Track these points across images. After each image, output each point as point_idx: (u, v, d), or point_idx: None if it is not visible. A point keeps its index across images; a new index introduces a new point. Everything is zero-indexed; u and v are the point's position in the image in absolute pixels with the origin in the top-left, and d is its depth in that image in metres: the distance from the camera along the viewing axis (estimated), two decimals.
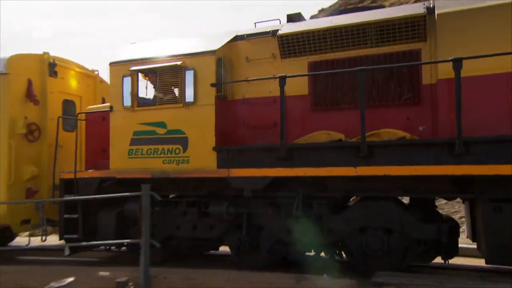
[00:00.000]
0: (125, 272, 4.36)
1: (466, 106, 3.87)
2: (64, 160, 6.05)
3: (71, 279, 3.04)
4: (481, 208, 4.09)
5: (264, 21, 5.44)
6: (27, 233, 7.38)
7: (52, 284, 2.88)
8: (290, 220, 4.66)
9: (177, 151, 4.95)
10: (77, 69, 7.12)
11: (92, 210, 5.51)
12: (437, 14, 4.28)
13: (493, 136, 3.79)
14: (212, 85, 4.83)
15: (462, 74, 3.87)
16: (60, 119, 6.05)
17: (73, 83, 7.04)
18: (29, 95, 6.12)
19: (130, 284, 4.03)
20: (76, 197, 5.34)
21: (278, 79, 4.55)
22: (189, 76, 4.93)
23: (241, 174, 4.62)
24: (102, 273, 4.59)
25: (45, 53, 6.44)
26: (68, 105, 6.76)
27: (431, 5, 4.48)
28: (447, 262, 4.64)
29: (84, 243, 5.31)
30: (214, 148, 4.74)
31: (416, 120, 4.38)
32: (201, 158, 4.83)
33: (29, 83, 6.12)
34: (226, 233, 5.10)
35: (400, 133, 4.23)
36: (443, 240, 4.15)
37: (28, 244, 6.10)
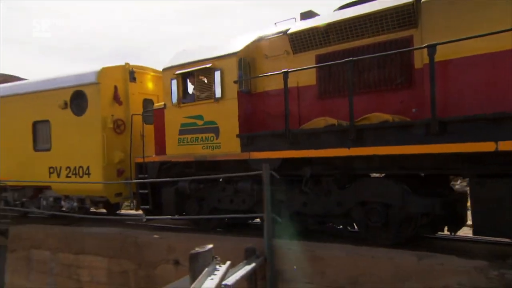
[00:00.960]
0: (252, 242, 4.69)
1: (450, 87, 4.21)
2: (145, 147, 7.50)
3: (210, 245, 3.26)
4: (469, 183, 4.39)
5: (283, 21, 6.05)
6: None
7: (197, 248, 3.17)
8: (303, 195, 5.33)
9: (212, 138, 5.99)
10: (152, 73, 8.44)
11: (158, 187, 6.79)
12: (422, 2, 4.50)
13: (464, 116, 3.97)
14: (234, 82, 5.70)
15: (444, 58, 4.18)
16: (134, 116, 7.48)
17: (150, 85, 8.42)
18: (115, 98, 7.70)
19: (257, 252, 4.33)
20: (170, 179, 6.35)
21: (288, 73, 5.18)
22: (217, 75, 5.89)
23: (258, 157, 5.42)
24: (231, 241, 4.99)
25: (126, 64, 7.96)
26: (147, 103, 8.11)
27: None
28: (452, 233, 4.96)
29: (199, 217, 6.28)
30: (237, 135, 5.63)
31: (409, 103, 4.66)
32: (229, 144, 5.79)
33: (115, 88, 7.69)
34: None
35: (386, 116, 4.53)
36: (437, 213, 4.42)
37: (144, 219, 7.31)
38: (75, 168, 7.79)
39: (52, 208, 8.45)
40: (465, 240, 5.45)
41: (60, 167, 7.99)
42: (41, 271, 7.07)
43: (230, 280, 3.32)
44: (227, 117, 5.81)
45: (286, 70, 5.14)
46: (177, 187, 6.47)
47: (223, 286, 3.04)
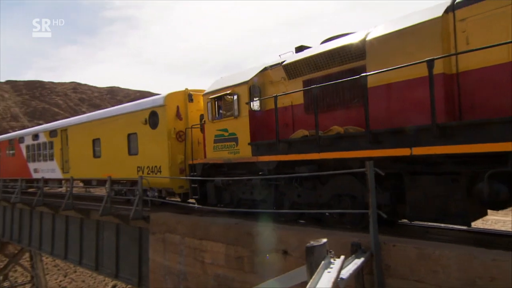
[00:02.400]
0: (357, 237, 4.66)
1: (387, 105, 5.31)
2: (198, 152, 9.48)
3: (324, 240, 3.24)
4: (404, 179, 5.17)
5: (284, 53, 7.50)
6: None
7: (312, 242, 3.16)
8: (297, 189, 6.65)
9: (233, 146, 7.68)
10: None
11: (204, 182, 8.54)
12: (366, 41, 5.64)
13: (391, 128, 5.06)
14: (246, 103, 7.33)
15: (384, 82, 5.31)
16: (190, 128, 9.50)
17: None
18: (177, 115, 9.77)
19: (362, 247, 4.29)
20: (219, 178, 7.97)
21: (284, 95, 6.73)
22: (235, 98, 7.59)
23: (263, 160, 6.96)
24: (334, 236, 4.91)
25: (186, 89, 10.08)
26: (203, 118, 9.86)
27: (368, 33, 5.75)
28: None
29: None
30: (248, 143, 7.24)
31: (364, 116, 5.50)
32: (244, 150, 7.39)
33: (177, 108, 9.80)
34: None
35: (339, 129, 5.70)
36: (386, 204, 5.31)
37: (220, 205, 8.57)
38: (152, 167, 10.15)
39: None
40: None
41: (144, 167, 10.45)
42: (173, 251, 7.63)
43: (345, 274, 3.29)
44: (243, 129, 7.46)
45: (276, 95, 6.57)
46: (214, 183, 8.20)
47: (339, 279, 3.02)
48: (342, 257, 3.32)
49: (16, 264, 23.72)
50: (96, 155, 12.64)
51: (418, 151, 4.66)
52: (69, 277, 54.55)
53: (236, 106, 7.61)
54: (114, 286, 41.43)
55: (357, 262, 3.85)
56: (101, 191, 15.41)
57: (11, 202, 14.84)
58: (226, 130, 7.92)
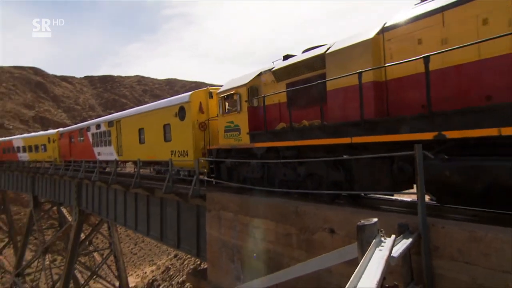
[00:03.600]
0: (404, 218, 4.54)
1: (340, 104, 6.67)
2: (215, 139, 10.94)
3: (375, 219, 3.15)
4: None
5: (276, 60, 8.87)
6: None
7: (362, 221, 3.11)
8: (284, 169, 8.06)
9: (237, 135, 9.26)
10: None
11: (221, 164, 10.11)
12: (326, 54, 6.97)
13: (335, 123, 6.50)
14: (245, 101, 8.88)
15: (337, 87, 6.68)
16: (209, 120, 11.21)
17: None
18: (200, 109, 11.44)
19: (410, 228, 4.18)
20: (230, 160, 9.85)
21: (273, 95, 8.27)
22: (238, 97, 9.13)
23: (257, 146, 8.46)
24: (379, 216, 4.47)
25: (208, 88, 11.77)
26: None
27: (329, 48, 7.08)
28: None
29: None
30: (247, 133, 8.79)
31: (327, 113, 6.88)
32: (245, 138, 8.94)
33: (200, 104, 11.48)
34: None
35: (305, 122, 7.25)
36: (341, 180, 6.70)
37: (214, 182, 10.24)
38: (181, 151, 12.00)
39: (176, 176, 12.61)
40: None
41: (175, 151, 12.31)
42: (228, 227, 7.90)
43: (395, 253, 3.22)
44: (243, 122, 9.04)
45: (264, 95, 8.14)
46: (225, 164, 9.84)
47: (390, 257, 2.93)
48: (393, 236, 3.19)
49: (97, 232, 26.36)
50: (141, 141, 14.87)
51: (356, 140, 6.03)
52: (138, 246, 62.30)
53: (238, 103, 9.25)
54: (176, 255, 46.88)
55: (405, 242, 3.74)
56: (144, 171, 17.92)
57: (92, 180, 16.44)
58: (232, 122, 9.61)
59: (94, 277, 26.86)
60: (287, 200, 6.76)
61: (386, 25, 6.12)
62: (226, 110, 9.90)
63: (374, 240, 2.99)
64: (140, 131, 14.99)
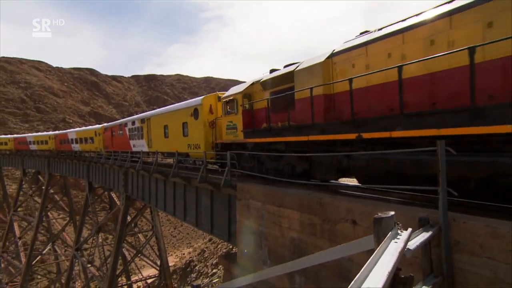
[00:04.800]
0: (425, 212, 4.36)
1: (303, 110, 7.98)
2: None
3: (392, 212, 3.06)
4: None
5: (265, 73, 10.29)
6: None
7: (379, 214, 3.01)
8: (271, 161, 9.32)
9: (235, 132, 10.78)
10: None
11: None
12: (294, 71, 8.34)
13: (295, 124, 8.05)
14: (240, 105, 10.37)
15: (301, 97, 8.01)
16: (216, 119, 12.77)
17: None
18: (210, 110, 12.93)
19: (430, 221, 4.03)
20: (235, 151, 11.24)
21: (260, 101, 9.74)
22: (235, 102, 10.67)
23: (248, 141, 9.96)
24: (401, 210, 4.66)
25: (217, 93, 13.29)
26: None
27: (297, 66, 8.36)
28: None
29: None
30: (241, 131, 10.29)
31: (295, 116, 8.27)
32: (240, 135, 10.42)
33: (210, 106, 12.98)
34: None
35: (279, 124, 8.75)
36: (305, 169, 8.06)
37: (220, 170, 12.37)
38: (195, 144, 13.59)
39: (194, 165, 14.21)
40: None
41: (191, 144, 13.90)
42: (256, 215, 7.99)
43: (411, 245, 3.19)
44: (239, 122, 10.55)
45: (252, 101, 9.91)
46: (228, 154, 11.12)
47: (406, 250, 2.90)
48: (410, 229, 3.13)
49: (142, 216, 26.64)
50: (165, 136, 16.52)
51: (311, 138, 7.46)
52: (177, 229, 64.76)
53: (235, 107, 10.78)
54: (210, 239, 48.21)
55: (424, 235, 3.65)
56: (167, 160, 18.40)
57: (136, 169, 17.21)
58: (231, 122, 11.11)
59: (139, 255, 28.32)
60: (312, 192, 6.78)
61: (334, 52, 7.45)
62: (227, 112, 11.46)
63: (390, 233, 2.92)
64: (165, 127, 16.59)
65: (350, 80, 6.32)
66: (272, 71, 10.10)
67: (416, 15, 5.85)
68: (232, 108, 11.05)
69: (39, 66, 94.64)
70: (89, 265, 28.98)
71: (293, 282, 6.57)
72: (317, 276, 5.95)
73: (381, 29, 6.52)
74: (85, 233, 34.95)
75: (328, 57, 7.49)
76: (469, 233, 3.86)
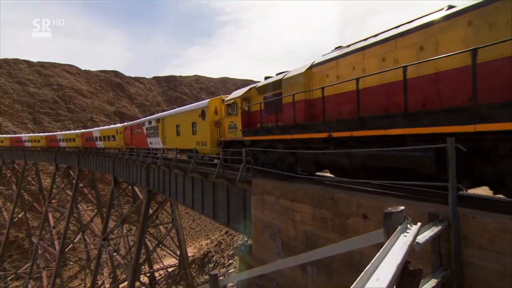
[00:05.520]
0: (435, 208, 4.30)
1: (289, 113, 8.98)
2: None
3: (402, 207, 3.00)
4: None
5: (259, 81, 11.33)
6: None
7: (389, 208, 2.95)
8: (265, 155, 10.24)
9: (235, 130, 11.80)
10: None
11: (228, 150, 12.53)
12: (282, 80, 9.31)
13: (283, 125, 8.99)
14: (239, 108, 11.42)
15: (286, 101, 9.02)
16: (221, 119, 13.60)
17: None
18: (215, 112, 13.88)
19: (440, 217, 3.94)
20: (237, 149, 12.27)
21: (256, 104, 10.79)
22: (235, 105, 11.74)
23: (246, 139, 10.96)
24: (411, 205, 4.60)
25: (221, 96, 14.19)
26: None
27: (285, 75, 9.32)
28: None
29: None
30: (240, 130, 11.36)
31: (282, 118, 9.21)
32: (239, 133, 11.44)
33: (215, 108, 13.92)
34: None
35: (271, 124, 9.70)
36: (291, 162, 8.94)
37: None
38: (202, 142, 14.55)
39: (204, 160, 15.23)
40: None
41: (199, 141, 14.81)
42: (270, 210, 8.02)
43: (421, 239, 3.16)
44: (239, 122, 11.60)
45: (248, 104, 11.01)
46: (231, 152, 12.06)
47: (415, 243, 2.86)
48: (419, 224, 3.09)
49: (162, 209, 27.19)
50: (178, 134, 17.54)
51: (293, 136, 8.45)
52: (196, 222, 65.77)
53: (235, 109, 11.86)
54: (227, 232, 48.73)
55: (433, 230, 3.61)
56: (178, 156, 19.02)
57: (157, 165, 17.61)
58: (232, 122, 12.17)
59: (160, 245, 28.93)
60: (324, 187, 6.80)
61: (313, 63, 8.38)
62: (229, 113, 12.51)
63: (399, 227, 2.87)
64: (177, 126, 17.66)
65: (322, 88, 7.38)
66: (266, 78, 11.14)
67: (374, 36, 6.86)
68: (233, 110, 12.15)
69: (69, 69, 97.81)
70: (115, 254, 29.84)
71: (305, 273, 6.65)
72: (329, 268, 6.01)
73: (349, 45, 7.48)
74: (111, 224, 36.00)
75: (309, 68, 8.42)
76: (478, 228, 3.84)
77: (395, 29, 6.35)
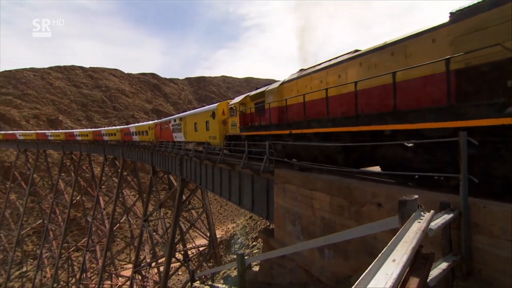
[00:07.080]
0: (446, 197, 4.17)
1: (267, 115, 11.44)
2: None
3: (416, 196, 2.91)
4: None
5: (252, 90, 13.46)
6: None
7: (404, 197, 2.88)
8: (257, 147, 12.57)
9: (236, 127, 14.20)
10: None
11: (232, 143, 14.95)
12: (264, 91, 11.72)
13: (268, 124, 11.57)
14: (238, 111, 13.82)
15: (266, 107, 11.51)
16: (227, 118, 15.92)
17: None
18: (223, 113, 16.20)
19: (451, 206, 3.83)
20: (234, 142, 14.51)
21: (248, 108, 13.26)
22: (235, 109, 14.19)
23: (243, 134, 13.36)
24: (424, 195, 4.43)
25: (227, 100, 16.55)
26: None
27: (267, 87, 11.68)
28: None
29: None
30: (239, 127, 13.77)
31: (264, 119, 11.60)
32: (238, 130, 13.85)
33: (223, 110, 16.28)
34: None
35: (263, 123, 11.88)
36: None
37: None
38: (213, 136, 16.87)
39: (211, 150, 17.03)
40: None
41: (211, 136, 17.18)
42: (291, 198, 7.97)
43: (434, 226, 3.09)
44: (237, 121, 13.91)
45: (244, 108, 13.33)
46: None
47: (428, 229, 2.72)
48: (432, 211, 3.00)
49: (194, 195, 27.60)
50: (195, 130, 19.53)
51: (270, 132, 10.77)
52: (223, 208, 67.23)
53: (235, 111, 14.19)
54: (251, 217, 49.39)
55: (445, 217, 3.53)
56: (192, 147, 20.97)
57: (189, 156, 17.96)
58: (233, 121, 14.58)
59: (192, 227, 29.87)
60: (341, 177, 6.82)
61: (284, 81, 10.64)
62: (231, 115, 14.88)
63: (413, 214, 2.80)
64: (195, 124, 19.70)
65: (285, 100, 9.83)
66: (256, 88, 13.41)
67: (318, 64, 9.11)
68: (234, 112, 14.53)
69: (115, 73, 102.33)
70: (154, 233, 31.21)
71: (323, 255, 6.75)
72: (344, 251, 6.07)
73: (306, 69, 9.77)
74: (150, 207, 37.61)
75: (281, 84, 10.78)
76: (489, 216, 3.76)
77: (327, 62, 8.73)
